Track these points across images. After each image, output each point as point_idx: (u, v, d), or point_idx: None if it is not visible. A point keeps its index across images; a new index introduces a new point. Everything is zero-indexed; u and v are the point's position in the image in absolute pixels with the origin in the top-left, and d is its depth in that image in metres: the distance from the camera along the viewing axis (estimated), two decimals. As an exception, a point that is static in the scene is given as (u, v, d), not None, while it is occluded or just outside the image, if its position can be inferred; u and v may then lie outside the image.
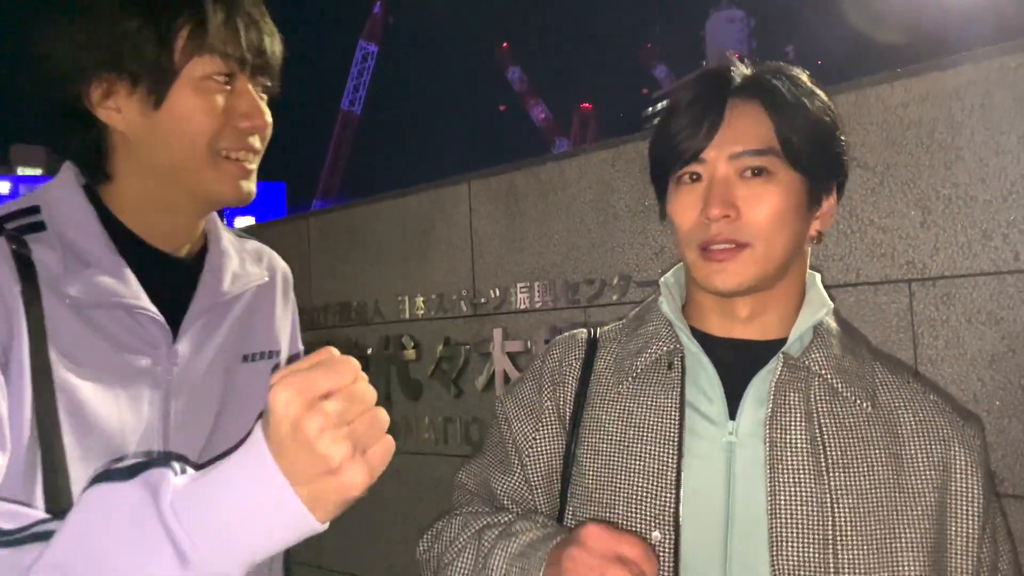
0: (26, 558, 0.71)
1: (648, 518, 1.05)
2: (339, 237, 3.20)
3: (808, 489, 1.02)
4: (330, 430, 0.69)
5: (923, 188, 1.73)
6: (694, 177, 1.08)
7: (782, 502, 1.02)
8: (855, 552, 1.00)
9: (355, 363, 0.74)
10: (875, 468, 1.04)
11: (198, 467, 0.75)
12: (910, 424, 1.08)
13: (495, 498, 1.19)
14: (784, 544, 1.01)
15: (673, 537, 1.04)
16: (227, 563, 0.69)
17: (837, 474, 1.03)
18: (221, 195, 1.06)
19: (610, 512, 1.08)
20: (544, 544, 0.98)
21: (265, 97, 1.10)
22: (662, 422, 1.09)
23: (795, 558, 1.00)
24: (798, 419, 1.05)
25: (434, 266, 2.83)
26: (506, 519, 1.07)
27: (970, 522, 1.04)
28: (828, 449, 1.04)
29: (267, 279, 1.23)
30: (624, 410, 1.13)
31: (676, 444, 1.07)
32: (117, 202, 1.08)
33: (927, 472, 1.05)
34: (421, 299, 2.85)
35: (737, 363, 1.10)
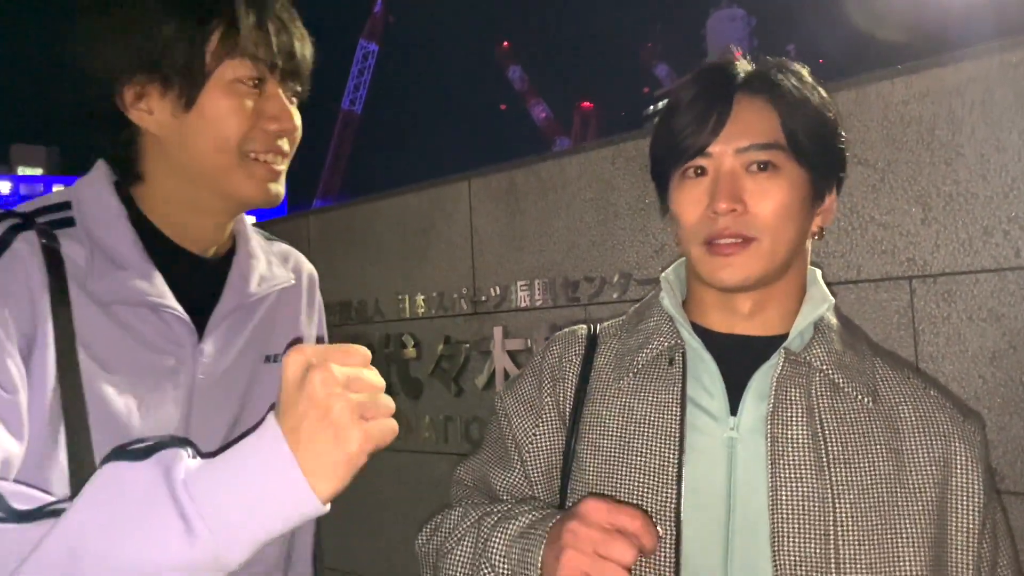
0: (37, 532, 0.72)
1: (649, 513, 1.05)
2: (339, 236, 3.20)
3: (809, 485, 1.02)
4: (334, 388, 0.73)
5: (924, 185, 1.73)
6: (699, 171, 1.08)
7: (783, 497, 1.02)
8: (856, 548, 1.00)
9: (367, 352, 0.79)
10: (876, 464, 1.04)
11: None
12: (911, 420, 1.07)
13: (494, 494, 1.18)
14: (785, 539, 1.00)
15: (674, 533, 1.03)
16: (236, 542, 0.71)
17: (838, 469, 1.03)
18: (249, 196, 1.07)
19: (609, 496, 1.08)
20: (543, 523, 0.98)
21: (295, 101, 1.12)
22: (663, 418, 1.09)
23: (796, 553, 1.00)
24: (799, 415, 1.05)
25: (434, 264, 2.82)
26: (504, 506, 1.07)
27: (970, 518, 1.04)
28: (829, 445, 1.04)
29: (293, 281, 1.24)
30: (625, 406, 1.12)
31: (677, 440, 1.07)
32: (147, 202, 1.09)
33: (928, 468, 1.05)
34: (421, 297, 2.85)
35: (738, 359, 1.10)
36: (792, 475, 1.03)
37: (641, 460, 1.08)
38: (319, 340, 1.33)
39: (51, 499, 0.78)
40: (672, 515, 1.04)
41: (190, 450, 0.76)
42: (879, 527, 1.01)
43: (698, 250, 1.08)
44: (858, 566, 1.00)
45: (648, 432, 1.09)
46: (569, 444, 1.15)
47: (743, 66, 1.11)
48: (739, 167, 1.06)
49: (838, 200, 1.17)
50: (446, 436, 2.74)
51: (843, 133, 1.12)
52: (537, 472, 1.17)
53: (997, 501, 1.11)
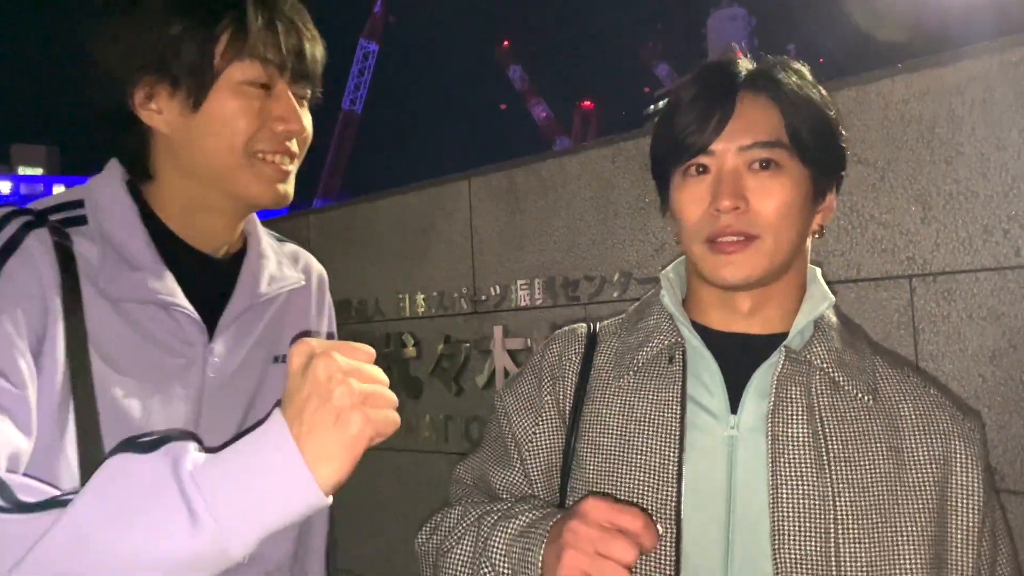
0: (45, 522, 0.72)
1: (650, 512, 1.05)
2: (339, 235, 3.20)
3: (810, 483, 1.02)
4: (336, 374, 0.76)
5: (924, 184, 1.72)
6: (701, 169, 1.08)
7: (784, 495, 1.02)
8: (856, 545, 1.00)
9: (372, 351, 0.82)
10: (876, 461, 1.04)
11: None
12: (910, 418, 1.07)
13: (493, 492, 1.18)
14: (786, 537, 1.00)
15: (674, 531, 1.03)
16: (240, 533, 0.72)
17: (838, 467, 1.03)
18: (256, 197, 1.08)
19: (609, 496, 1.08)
20: (544, 522, 0.97)
21: (306, 102, 1.12)
22: (663, 416, 1.09)
23: (797, 551, 1.00)
24: (800, 413, 1.05)
25: (434, 264, 2.82)
26: (504, 505, 1.07)
27: (970, 516, 1.04)
28: (829, 443, 1.04)
29: (303, 282, 1.25)
30: (625, 404, 1.12)
31: (677, 438, 1.07)
32: (158, 201, 1.10)
33: (927, 466, 1.05)
34: (421, 297, 2.85)
35: (738, 357, 1.10)
36: (793, 473, 1.03)
37: (641, 458, 1.08)
38: (329, 339, 1.34)
39: (57, 492, 0.79)
40: (672, 513, 1.04)
41: (196, 445, 0.77)
42: (879, 525, 1.01)
43: (700, 248, 1.08)
44: (858, 564, 1.00)
45: (648, 430, 1.09)
46: (569, 442, 1.15)
47: (745, 64, 1.11)
48: (741, 165, 1.06)
49: (838, 199, 1.17)
50: (446, 435, 2.74)
51: (843, 132, 1.12)
52: (537, 471, 1.17)
53: (996, 500, 1.11)
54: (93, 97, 1.08)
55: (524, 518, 1.01)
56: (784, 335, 1.10)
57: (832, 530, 1.00)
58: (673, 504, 1.04)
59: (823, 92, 1.11)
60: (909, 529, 1.02)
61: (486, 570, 1.01)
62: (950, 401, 1.11)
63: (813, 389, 1.07)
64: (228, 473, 0.73)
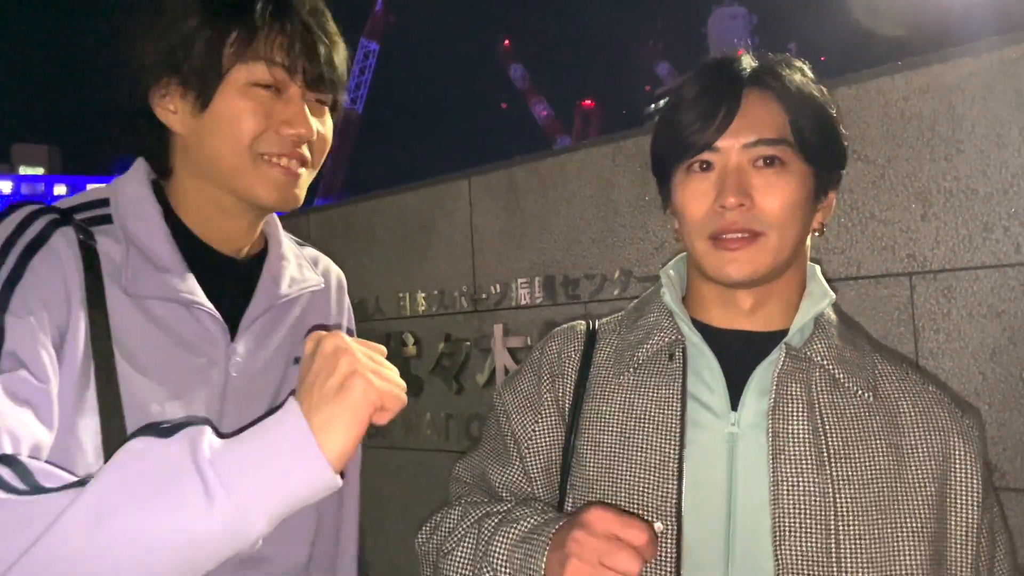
0: (63, 500, 0.74)
1: (650, 509, 1.05)
2: (339, 233, 3.20)
3: (810, 479, 1.02)
4: (342, 347, 0.83)
5: (924, 181, 1.72)
6: (705, 166, 1.08)
7: (785, 492, 1.02)
8: (857, 542, 1.00)
9: (383, 348, 0.89)
10: (876, 458, 1.04)
11: None
12: (910, 415, 1.08)
13: (493, 491, 1.18)
14: (787, 534, 1.01)
15: (675, 528, 1.03)
16: (254, 511, 0.75)
17: (839, 464, 1.03)
18: (261, 198, 1.08)
19: (611, 502, 1.08)
20: (546, 528, 0.98)
21: (324, 108, 1.12)
22: (663, 413, 1.09)
23: (798, 548, 1.00)
24: (800, 409, 1.05)
25: (434, 262, 2.82)
26: (505, 507, 1.07)
27: (969, 512, 1.04)
28: (830, 439, 1.04)
29: (322, 285, 1.26)
30: (625, 401, 1.12)
31: (678, 435, 1.07)
32: (179, 202, 1.11)
33: (927, 462, 1.05)
34: (422, 295, 2.85)
35: (738, 354, 1.10)
36: (793, 470, 1.03)
37: (642, 456, 1.08)
38: None
39: (76, 479, 0.81)
40: (673, 510, 1.04)
41: (213, 430, 0.80)
42: (879, 521, 1.01)
43: (704, 245, 1.08)
44: (859, 560, 1.00)
45: (649, 428, 1.09)
46: (568, 440, 1.15)
47: (748, 61, 1.11)
48: (746, 162, 1.05)
49: (838, 196, 1.17)
50: (447, 434, 2.74)
51: (844, 130, 1.12)
52: (536, 468, 1.17)
53: (994, 496, 1.11)
54: (118, 96, 1.10)
55: (526, 523, 1.01)
56: (784, 332, 1.10)
57: (832, 526, 1.00)
58: (674, 501, 1.05)
59: (824, 90, 1.11)
60: (909, 525, 1.02)
61: (487, 574, 1.01)
62: (949, 398, 1.11)
63: (813, 386, 1.07)
64: (242, 453, 0.77)
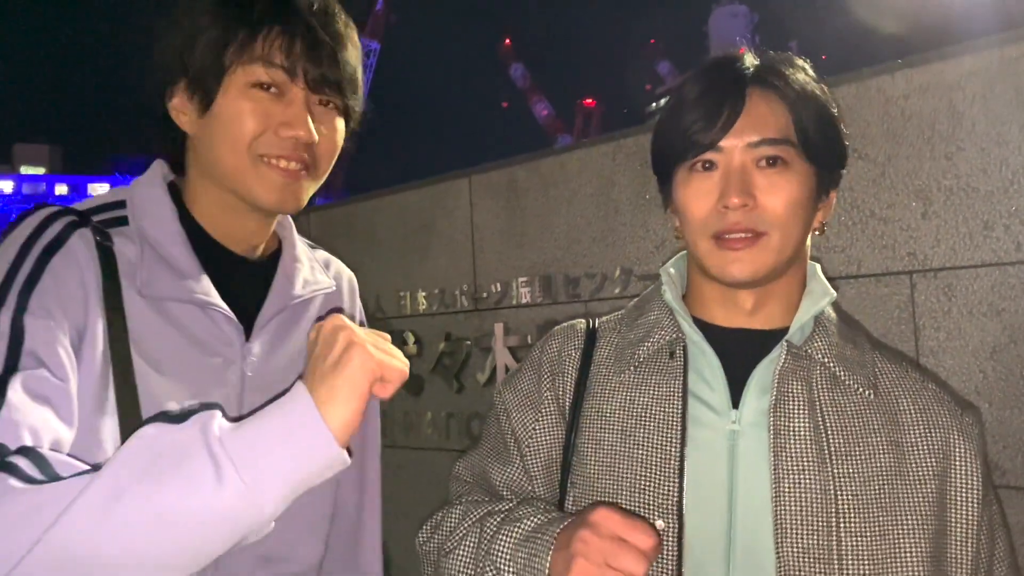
0: (77, 485, 0.76)
1: (651, 507, 1.05)
2: (340, 233, 3.20)
3: (812, 477, 1.02)
4: (341, 325, 0.87)
5: (924, 179, 1.72)
6: (707, 165, 1.07)
7: (786, 489, 1.02)
8: (858, 539, 1.00)
9: (387, 336, 0.92)
10: (877, 456, 1.04)
11: None
12: (910, 412, 1.08)
13: (493, 489, 1.18)
14: (788, 531, 1.01)
15: (676, 525, 1.04)
16: (264, 487, 0.77)
17: (840, 461, 1.03)
18: (260, 199, 1.08)
19: (613, 501, 1.08)
20: (550, 528, 0.97)
21: (332, 112, 1.11)
22: (664, 411, 1.09)
23: (800, 545, 1.00)
24: (801, 407, 1.05)
25: (435, 261, 2.83)
26: (507, 506, 1.07)
27: (970, 510, 1.04)
28: (831, 437, 1.04)
29: (334, 287, 1.27)
30: (626, 399, 1.12)
31: (679, 433, 1.07)
32: (192, 203, 1.13)
33: (927, 460, 1.05)
34: (422, 294, 2.86)
35: (739, 352, 1.10)
36: (795, 467, 1.03)
37: (643, 453, 1.08)
38: None
39: (91, 466, 0.82)
40: (675, 507, 1.04)
41: (222, 414, 0.83)
42: (880, 519, 1.01)
43: (706, 244, 1.07)
44: (860, 557, 1.00)
45: (650, 425, 1.09)
46: (569, 438, 1.15)
47: (751, 60, 1.11)
48: (749, 162, 1.05)
49: (838, 195, 1.17)
50: (448, 433, 2.74)
51: (844, 128, 1.12)
52: (537, 467, 1.17)
53: (994, 494, 1.11)
54: (142, 96, 1.12)
55: (530, 522, 1.01)
56: (784, 330, 1.10)
57: (834, 523, 1.01)
58: (675, 499, 1.05)
59: (825, 89, 1.11)
60: (910, 522, 1.02)
61: (490, 573, 1.00)
62: (949, 396, 1.11)
63: (814, 384, 1.07)
64: (250, 431, 0.80)
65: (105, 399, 0.97)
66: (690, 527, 1.04)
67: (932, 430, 1.06)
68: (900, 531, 1.01)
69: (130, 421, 0.98)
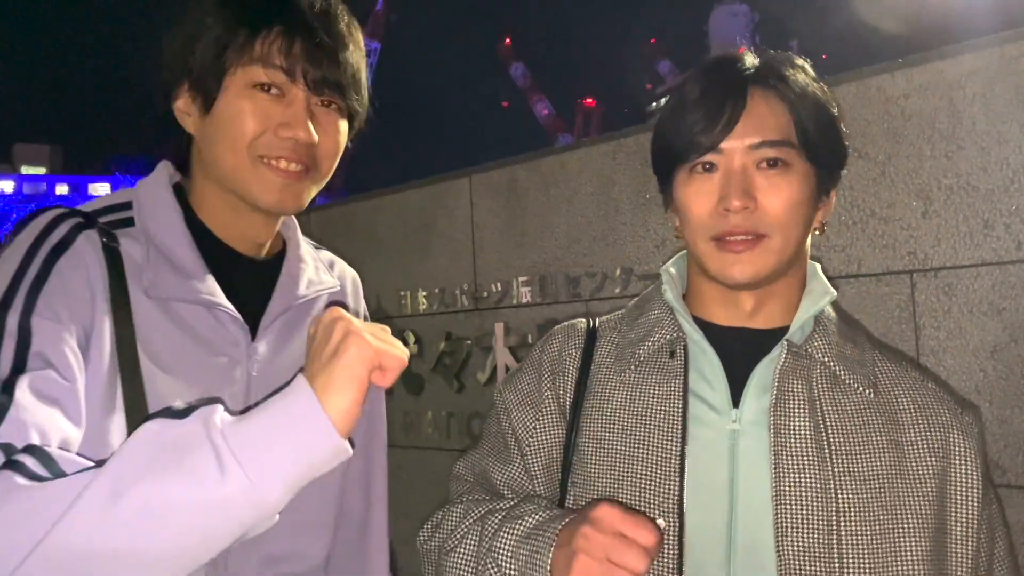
0: (82, 481, 0.77)
1: (652, 506, 1.05)
2: (340, 232, 3.20)
3: (812, 475, 1.02)
4: (337, 315, 0.89)
5: (925, 178, 1.72)
6: (708, 167, 1.07)
7: (787, 488, 1.02)
8: (858, 537, 1.00)
9: (387, 328, 0.93)
10: (877, 454, 1.04)
11: None
12: (910, 411, 1.08)
13: (494, 488, 1.18)
14: (789, 530, 1.01)
15: (677, 524, 1.04)
16: (267, 477, 0.78)
17: (840, 460, 1.03)
18: (259, 199, 1.08)
19: (616, 500, 1.08)
20: (552, 524, 0.98)
21: (334, 113, 1.11)
22: (665, 410, 1.09)
23: (800, 544, 1.00)
24: (802, 406, 1.05)
25: (435, 261, 2.83)
26: (508, 504, 1.07)
27: (970, 508, 1.04)
28: (831, 436, 1.04)
29: (338, 288, 1.27)
30: (626, 398, 1.12)
31: (679, 432, 1.07)
32: (198, 203, 1.14)
33: (927, 459, 1.05)
34: (423, 294, 2.86)
35: (739, 351, 1.10)
36: (795, 466, 1.03)
37: (644, 452, 1.08)
38: None
39: (95, 463, 0.83)
40: (675, 506, 1.04)
41: (224, 407, 0.84)
42: (881, 517, 1.02)
43: (707, 246, 1.07)
44: (860, 556, 1.00)
45: (650, 424, 1.09)
46: (569, 438, 1.15)
47: (751, 60, 1.10)
48: (750, 163, 1.05)
49: (838, 194, 1.17)
50: (448, 432, 2.74)
51: (844, 127, 1.12)
52: (537, 466, 1.17)
53: (994, 493, 1.11)
54: (147, 97, 1.13)
55: (531, 519, 1.01)
56: (785, 329, 1.11)
57: (834, 521, 1.01)
58: (675, 498, 1.05)
59: (826, 89, 1.11)
60: (910, 521, 1.02)
61: (492, 570, 1.00)
62: (949, 395, 1.11)
63: (814, 383, 1.07)
64: (252, 423, 0.80)
65: (112, 399, 0.98)
66: (690, 526, 1.04)
67: (932, 429, 1.07)
68: (900, 530, 1.01)
69: (137, 421, 0.98)
